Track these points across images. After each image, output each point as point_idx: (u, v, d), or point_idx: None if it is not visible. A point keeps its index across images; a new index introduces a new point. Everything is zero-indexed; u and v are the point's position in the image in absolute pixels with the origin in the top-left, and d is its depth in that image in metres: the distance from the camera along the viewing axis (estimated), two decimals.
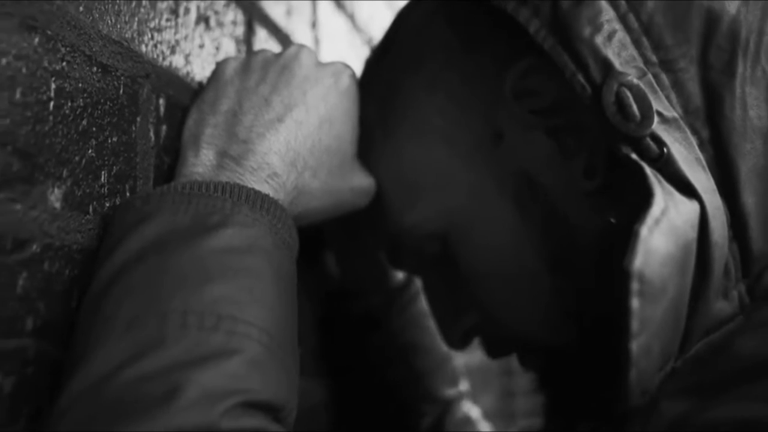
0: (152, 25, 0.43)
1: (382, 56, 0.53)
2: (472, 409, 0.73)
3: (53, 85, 0.35)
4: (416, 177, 0.48)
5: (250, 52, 0.54)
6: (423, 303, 0.68)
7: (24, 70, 0.33)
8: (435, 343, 0.69)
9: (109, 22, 0.39)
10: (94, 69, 0.38)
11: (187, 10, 0.47)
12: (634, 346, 0.33)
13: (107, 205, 0.38)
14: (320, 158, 0.44)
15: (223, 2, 0.52)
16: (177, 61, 0.45)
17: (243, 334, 0.33)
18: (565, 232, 0.42)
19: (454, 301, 0.49)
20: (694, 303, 0.36)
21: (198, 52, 0.48)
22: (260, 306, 0.35)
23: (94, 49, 0.38)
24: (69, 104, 0.36)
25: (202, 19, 0.49)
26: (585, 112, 0.39)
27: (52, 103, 0.35)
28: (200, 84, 0.48)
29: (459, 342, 0.51)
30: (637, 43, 0.39)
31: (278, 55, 0.47)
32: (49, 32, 0.34)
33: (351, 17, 0.82)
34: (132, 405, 0.29)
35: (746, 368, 0.31)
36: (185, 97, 0.46)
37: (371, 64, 0.54)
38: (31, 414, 0.32)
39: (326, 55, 0.72)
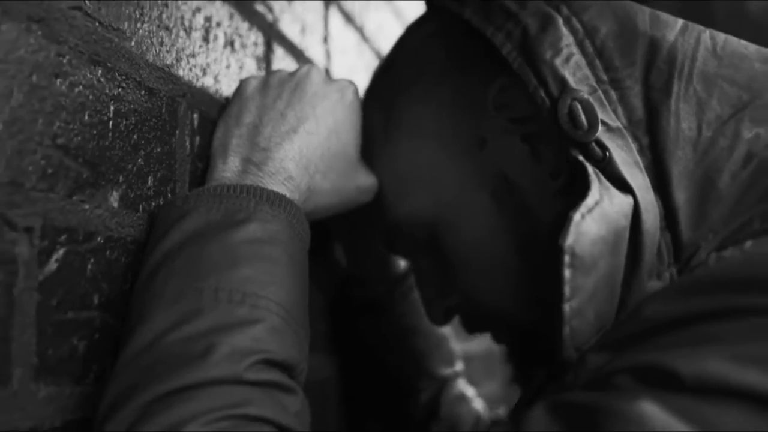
0: (188, 51, 0.51)
1: (387, 70, 0.61)
2: (467, 388, 0.80)
3: (112, 108, 0.43)
4: (409, 174, 0.56)
5: (268, 71, 0.62)
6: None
7: (91, 97, 0.41)
8: (432, 326, 0.77)
9: (154, 52, 0.47)
10: (143, 92, 0.46)
11: (216, 37, 0.55)
12: (567, 308, 0.41)
13: (153, 204, 0.46)
14: (329, 163, 0.52)
15: (246, 26, 0.60)
16: (208, 81, 0.53)
17: (264, 307, 0.41)
18: (532, 225, 0.50)
19: (438, 282, 0.57)
20: (629, 279, 0.44)
21: (225, 72, 0.56)
22: (278, 286, 0.42)
23: (142, 76, 0.46)
24: (124, 122, 0.44)
25: (229, 43, 0.57)
26: (547, 120, 0.47)
27: (111, 122, 0.43)
28: (226, 99, 0.56)
29: (441, 318, 0.60)
30: (591, 65, 0.46)
31: (292, 74, 0.54)
32: (109, 65, 0.43)
33: (360, 30, 0.89)
34: (177, 359, 0.37)
35: (646, 328, 0.39)
36: (214, 112, 0.54)
37: (377, 76, 0.62)
38: (98, 371, 0.41)
39: (338, 66, 0.80)
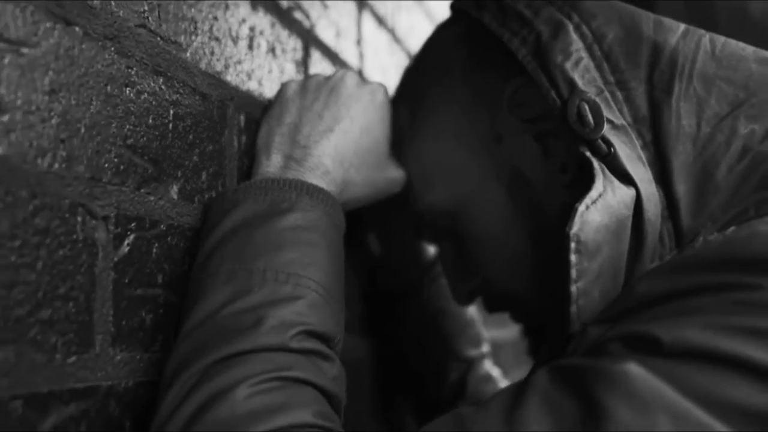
0: (235, 59, 0.57)
1: (414, 70, 0.67)
2: (493, 369, 0.85)
3: (171, 112, 0.49)
4: (433, 168, 0.62)
5: (306, 74, 0.68)
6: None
7: (154, 103, 0.47)
8: (461, 309, 0.82)
9: (206, 60, 0.53)
10: (197, 97, 0.52)
11: (259, 44, 0.61)
12: (574, 288, 0.46)
13: (206, 196, 0.52)
14: (362, 158, 0.58)
15: (286, 33, 0.65)
16: (252, 85, 0.59)
17: (305, 285, 0.46)
18: (542, 216, 0.55)
19: (462, 266, 0.63)
20: (632, 263, 0.49)
21: (268, 76, 0.62)
22: (317, 267, 0.48)
23: (197, 82, 0.52)
24: (181, 124, 0.50)
25: (271, 50, 0.62)
26: (558, 119, 0.51)
27: (171, 124, 0.49)
28: (269, 101, 0.61)
29: (465, 299, 0.65)
30: (599, 68, 0.51)
31: (328, 78, 0.60)
32: (169, 74, 0.49)
33: (392, 31, 0.94)
34: (232, 330, 0.43)
35: (638, 302, 0.43)
36: (258, 113, 0.60)
37: (406, 76, 0.68)
38: (163, 341, 0.47)
39: (370, 67, 0.85)
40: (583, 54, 0.50)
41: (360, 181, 0.58)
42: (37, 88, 0.38)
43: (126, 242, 0.44)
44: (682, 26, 0.51)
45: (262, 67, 0.61)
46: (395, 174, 0.62)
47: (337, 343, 0.48)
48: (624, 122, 0.50)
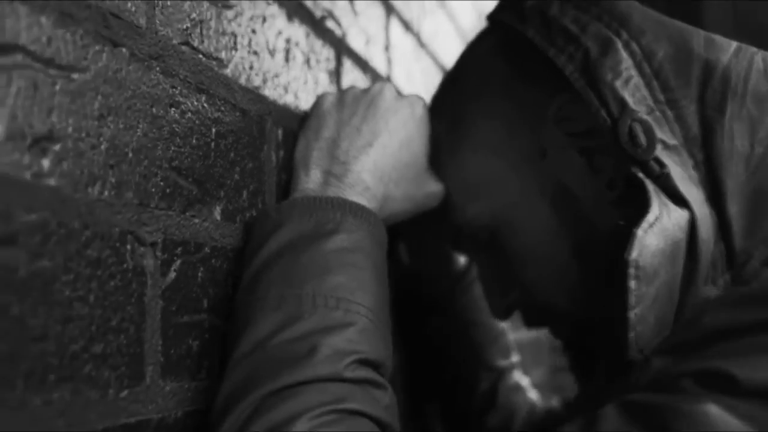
0: (273, 72, 0.55)
1: (451, 83, 0.66)
2: (522, 378, 0.84)
3: (213, 130, 0.47)
4: (474, 182, 0.61)
5: (339, 84, 0.67)
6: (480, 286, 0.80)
7: (197, 122, 0.46)
8: (491, 320, 0.81)
9: (245, 75, 0.52)
10: (237, 114, 0.50)
11: (294, 56, 0.59)
12: (632, 315, 0.45)
13: (247, 215, 0.51)
14: (401, 173, 0.57)
15: (320, 43, 0.64)
16: (289, 98, 0.58)
17: (355, 311, 0.45)
18: (588, 231, 0.54)
19: (500, 280, 0.62)
20: (686, 286, 0.48)
21: (303, 88, 0.60)
22: (365, 291, 0.47)
23: (237, 99, 0.50)
24: (223, 142, 0.48)
25: (306, 61, 0.61)
26: (606, 137, 0.50)
27: (213, 143, 0.47)
28: (304, 113, 0.60)
29: (503, 313, 0.64)
30: (648, 86, 0.49)
31: (365, 91, 0.59)
32: (211, 91, 0.47)
33: (417, 35, 0.93)
34: (285, 359, 0.42)
35: (707, 335, 0.42)
36: (295, 126, 0.58)
37: (443, 88, 0.67)
38: (209, 367, 0.45)
39: (398, 73, 0.84)
40: (633, 72, 0.49)
41: (399, 196, 0.57)
42: (87, 114, 0.36)
43: (173, 268, 0.43)
44: (734, 44, 0.50)
45: (298, 79, 0.59)
46: (434, 188, 0.61)
47: (387, 368, 0.47)
48: (676, 142, 0.49)
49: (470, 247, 0.66)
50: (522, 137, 0.57)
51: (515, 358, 0.84)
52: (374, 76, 0.76)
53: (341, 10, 0.69)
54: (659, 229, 0.46)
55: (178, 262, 0.43)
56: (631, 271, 0.45)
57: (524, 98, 0.57)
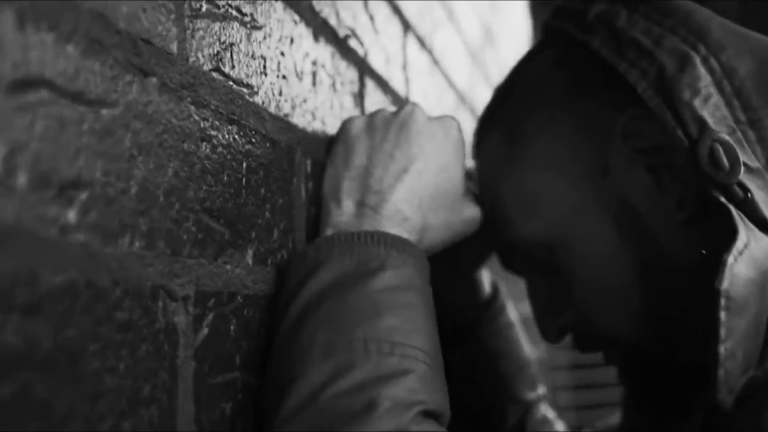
0: (301, 98, 0.51)
1: (506, 95, 0.62)
2: (548, 411, 0.80)
3: (245, 164, 0.43)
4: (532, 197, 0.57)
5: (362, 106, 0.62)
6: (507, 315, 0.76)
7: (228, 156, 0.41)
8: (517, 350, 0.77)
9: (275, 102, 0.47)
10: (267, 144, 0.46)
11: (321, 80, 0.55)
12: (722, 349, 0.42)
13: (278, 256, 0.46)
14: (438, 199, 0.52)
15: (344, 64, 0.60)
16: (317, 125, 0.53)
17: (412, 356, 0.41)
18: (656, 252, 0.50)
19: (553, 301, 0.58)
20: None
21: (330, 113, 0.56)
22: (420, 333, 0.43)
23: (267, 128, 0.46)
24: (254, 177, 0.44)
25: (332, 85, 0.57)
26: (680, 156, 0.47)
27: (244, 179, 0.43)
28: (330, 139, 0.55)
29: (554, 336, 0.60)
30: (729, 105, 0.47)
31: (395, 114, 0.54)
32: (242, 121, 0.43)
33: (430, 52, 0.89)
34: (342, 416, 0.37)
35: None
36: (322, 155, 0.54)
37: (496, 100, 0.63)
38: (242, 430, 0.41)
39: (414, 92, 0.80)
40: (713, 90, 0.46)
41: (438, 225, 0.52)
42: (117, 154, 0.32)
43: (205, 323, 0.38)
44: None
45: (325, 104, 0.55)
46: (472, 213, 0.56)
47: (447, 418, 0.43)
48: (759, 165, 0.46)
49: (524, 266, 0.62)
50: (585, 152, 0.54)
51: (542, 390, 0.81)
52: (394, 96, 0.72)
53: (363, 28, 0.65)
54: (749, 257, 0.43)
55: (211, 315, 0.38)
56: (723, 302, 0.42)
57: (588, 112, 0.54)
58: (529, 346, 0.82)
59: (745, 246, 0.43)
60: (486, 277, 0.74)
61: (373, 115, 0.55)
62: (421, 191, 0.51)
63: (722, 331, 0.42)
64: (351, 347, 0.40)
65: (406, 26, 0.79)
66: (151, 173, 0.34)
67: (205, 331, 0.38)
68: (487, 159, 0.58)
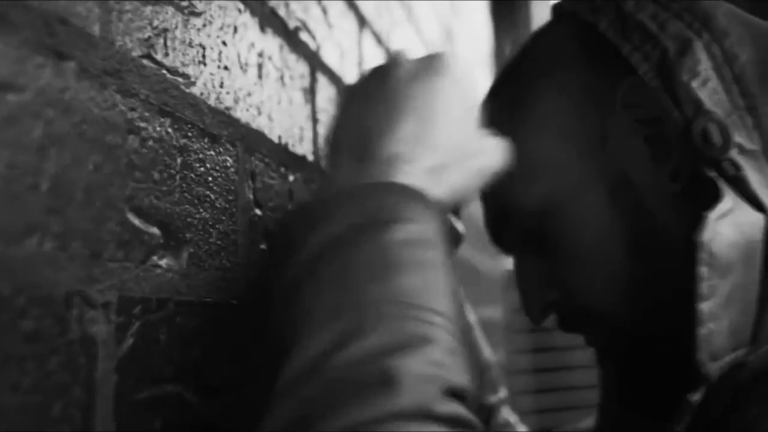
0: (245, 91, 0.48)
1: (521, 58, 0.59)
2: (510, 414, 0.79)
3: (179, 160, 0.40)
4: (530, 162, 0.54)
5: (314, 102, 0.59)
6: (464, 319, 0.74)
7: (160, 151, 0.38)
8: (477, 355, 0.75)
9: (215, 94, 0.44)
10: (206, 139, 0.43)
11: (268, 72, 0.52)
12: (704, 307, 0.40)
13: (218, 260, 0.43)
14: (443, 134, 0.45)
15: (294, 58, 0.57)
16: (262, 120, 0.50)
17: (436, 323, 0.35)
18: (648, 224, 0.49)
19: (540, 277, 0.56)
20: (764, 298, 0.43)
21: (277, 108, 0.53)
22: (442, 295, 0.36)
23: (206, 122, 0.43)
24: (190, 175, 0.41)
25: (279, 78, 0.54)
26: (676, 131, 0.47)
27: (178, 176, 0.40)
28: (279, 137, 0.52)
29: (538, 315, 0.57)
30: (727, 91, 0.47)
31: (382, 65, 0.49)
32: (177, 114, 0.39)
33: (387, 49, 0.86)
34: (351, 388, 0.31)
35: None
36: (267, 152, 0.51)
37: (511, 63, 0.60)
38: None
39: None
40: (712, 74, 0.46)
41: (457, 162, 0.46)
42: (25, 146, 0.28)
43: (130, 332, 0.35)
44: None
45: (272, 99, 0.52)
46: (493, 144, 0.49)
47: (475, 399, 0.35)
48: (755, 147, 0.46)
49: (515, 239, 0.59)
50: (585, 120, 0.53)
51: (503, 393, 0.79)
52: None
53: (315, 20, 0.62)
54: (733, 220, 0.42)
55: (137, 324, 0.35)
56: (704, 256, 0.41)
57: (593, 80, 0.53)
58: (488, 350, 0.80)
59: (730, 210, 0.43)
60: None
61: (365, 71, 0.51)
62: (420, 129, 0.45)
63: (703, 287, 0.40)
64: (360, 310, 0.34)
65: (362, 22, 0.77)
66: (67, 167, 0.31)
67: (130, 341, 0.35)
68: (493, 119, 0.53)
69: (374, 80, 0.48)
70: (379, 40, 0.83)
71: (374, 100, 0.47)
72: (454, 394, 0.33)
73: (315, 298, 0.35)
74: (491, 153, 0.49)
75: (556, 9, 0.58)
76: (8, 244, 0.27)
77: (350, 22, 0.72)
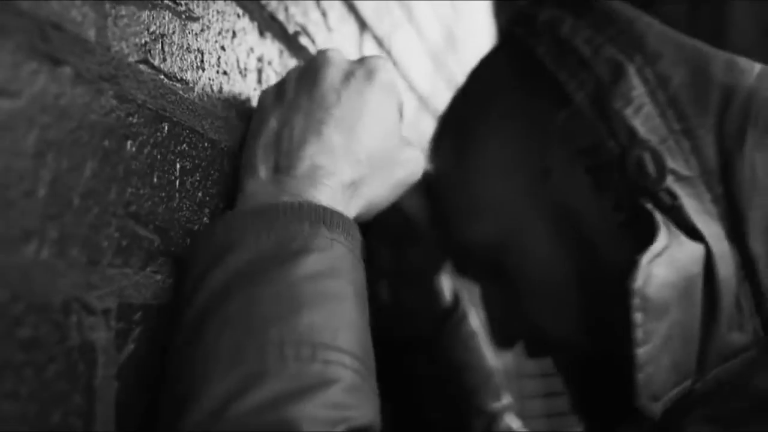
0: (244, 96, 0.48)
1: (460, 99, 0.61)
2: (513, 421, 0.78)
3: (178, 165, 0.39)
4: (477, 200, 0.56)
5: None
6: (469, 324, 0.74)
7: (159, 156, 0.38)
8: (481, 361, 0.75)
9: (214, 100, 0.44)
10: (205, 144, 0.42)
11: (268, 77, 0.52)
12: (641, 352, 0.40)
13: None
14: (369, 146, 0.44)
15: (294, 63, 0.57)
16: None
17: (338, 362, 0.35)
18: (592, 257, 0.50)
19: (505, 308, 0.58)
20: (707, 330, 0.43)
21: None
22: (348, 330, 0.36)
23: (204, 127, 0.42)
24: (189, 180, 0.40)
25: None
26: (612, 162, 0.47)
27: (177, 182, 0.39)
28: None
29: (505, 342, 0.60)
30: (662, 115, 0.46)
31: (307, 67, 0.46)
32: (174, 119, 0.39)
33: (389, 53, 0.86)
34: None
35: (764, 403, 0.37)
36: None
37: (453, 103, 0.62)
38: None
39: None
40: (646, 99, 0.46)
41: (374, 176, 0.44)
42: (20, 152, 0.28)
43: (131, 339, 0.34)
44: (758, 66, 0.47)
45: None
46: (411, 155, 0.47)
47: (377, 431, 0.36)
48: (690, 174, 0.45)
49: (476, 271, 0.61)
50: (527, 155, 0.53)
51: (507, 399, 0.78)
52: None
53: (315, 25, 0.62)
54: (668, 260, 0.42)
55: (137, 330, 0.35)
56: (636, 302, 0.41)
57: (531, 115, 0.53)
58: (492, 356, 0.79)
59: (665, 248, 0.43)
60: (446, 285, 0.72)
61: (285, 76, 0.48)
62: (344, 139, 0.43)
63: (638, 333, 0.41)
64: (263, 352, 0.33)
65: (363, 25, 0.77)
66: (64, 173, 0.31)
67: (131, 347, 0.34)
68: (440, 165, 0.58)
69: (301, 82, 0.45)
70: (380, 44, 0.82)
71: (298, 105, 0.44)
72: (357, 431, 0.33)
73: (217, 340, 0.34)
74: (410, 165, 0.47)
75: (501, 31, 0.60)
76: (5, 251, 0.27)
77: (350, 26, 0.72)
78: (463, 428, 0.74)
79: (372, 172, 0.44)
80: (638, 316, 0.41)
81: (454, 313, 0.72)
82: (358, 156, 0.43)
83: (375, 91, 0.45)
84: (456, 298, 0.73)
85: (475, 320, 0.77)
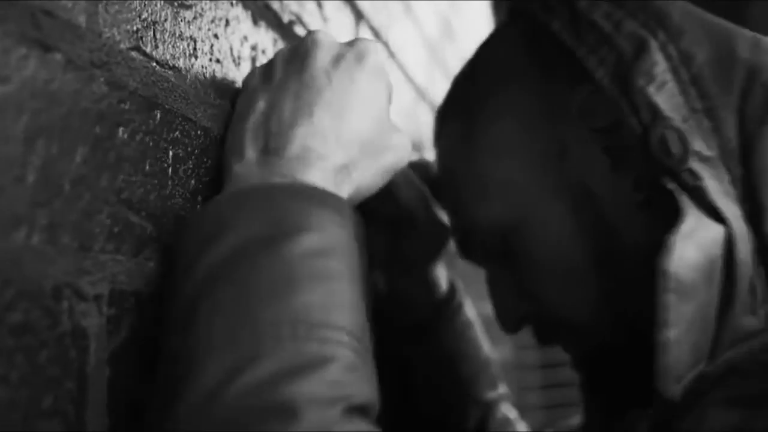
0: (238, 84, 0.48)
1: (468, 79, 0.59)
2: (510, 411, 0.78)
3: (171, 153, 0.39)
4: (488, 181, 0.55)
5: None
6: (465, 314, 0.73)
7: (151, 144, 0.38)
8: (477, 350, 0.75)
9: (207, 87, 0.44)
10: (198, 132, 0.42)
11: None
12: (671, 335, 0.40)
13: None
14: (360, 129, 0.43)
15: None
16: None
17: (335, 340, 0.34)
18: (612, 237, 0.49)
19: (512, 291, 0.56)
20: (723, 313, 0.43)
21: None
22: (345, 309, 0.36)
23: (197, 115, 0.42)
24: (182, 168, 0.40)
25: None
26: (634, 140, 0.46)
27: (170, 169, 0.39)
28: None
29: (513, 327, 0.58)
30: (685, 93, 0.45)
31: (296, 48, 0.46)
32: (167, 106, 0.39)
33: (386, 44, 0.86)
34: (249, 419, 0.31)
35: None
36: None
37: (458, 83, 0.60)
38: None
39: None
40: (668, 77, 0.45)
41: (365, 160, 0.44)
42: (10, 137, 0.28)
43: (123, 325, 0.34)
44: None
45: None
46: (400, 140, 0.46)
47: (376, 409, 0.36)
48: (712, 154, 0.44)
49: (481, 254, 0.59)
50: (541, 135, 0.52)
51: (503, 389, 0.78)
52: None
53: (310, 14, 0.62)
54: (696, 241, 0.41)
55: (130, 316, 0.35)
56: (671, 284, 0.40)
57: (545, 92, 0.52)
58: (488, 345, 0.79)
59: (693, 230, 0.42)
60: (442, 275, 0.71)
61: (272, 59, 0.47)
62: (334, 123, 0.42)
63: (670, 316, 0.40)
64: (259, 333, 0.33)
65: (359, 16, 0.76)
66: (54, 160, 0.31)
67: (123, 333, 0.34)
68: (446, 146, 0.56)
69: (290, 63, 0.45)
70: (376, 35, 0.82)
71: (287, 86, 0.43)
72: (356, 409, 0.33)
73: (210, 323, 0.33)
74: (399, 150, 0.46)
75: (509, 8, 0.58)
76: None
77: (346, 16, 0.72)
78: (458, 418, 0.74)
79: (362, 157, 0.43)
80: (671, 298, 0.40)
81: (450, 302, 0.72)
82: (349, 140, 0.42)
83: (365, 75, 0.44)
84: (452, 288, 0.73)
85: (471, 310, 0.77)
